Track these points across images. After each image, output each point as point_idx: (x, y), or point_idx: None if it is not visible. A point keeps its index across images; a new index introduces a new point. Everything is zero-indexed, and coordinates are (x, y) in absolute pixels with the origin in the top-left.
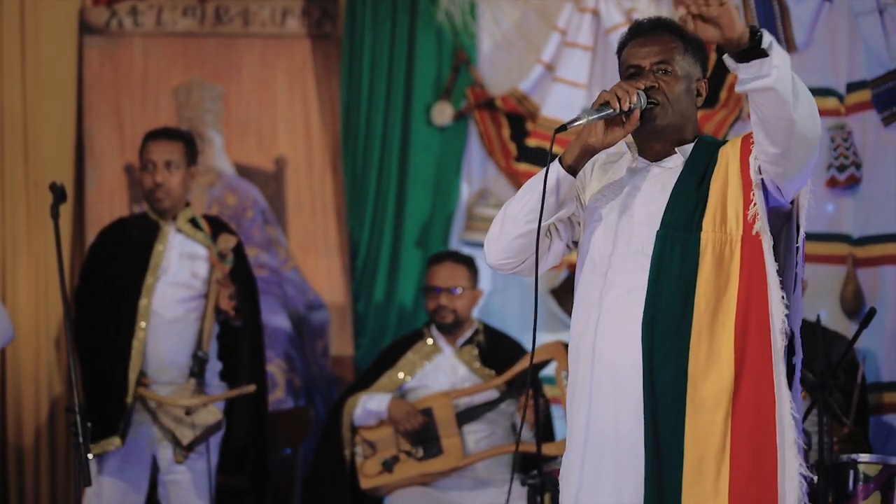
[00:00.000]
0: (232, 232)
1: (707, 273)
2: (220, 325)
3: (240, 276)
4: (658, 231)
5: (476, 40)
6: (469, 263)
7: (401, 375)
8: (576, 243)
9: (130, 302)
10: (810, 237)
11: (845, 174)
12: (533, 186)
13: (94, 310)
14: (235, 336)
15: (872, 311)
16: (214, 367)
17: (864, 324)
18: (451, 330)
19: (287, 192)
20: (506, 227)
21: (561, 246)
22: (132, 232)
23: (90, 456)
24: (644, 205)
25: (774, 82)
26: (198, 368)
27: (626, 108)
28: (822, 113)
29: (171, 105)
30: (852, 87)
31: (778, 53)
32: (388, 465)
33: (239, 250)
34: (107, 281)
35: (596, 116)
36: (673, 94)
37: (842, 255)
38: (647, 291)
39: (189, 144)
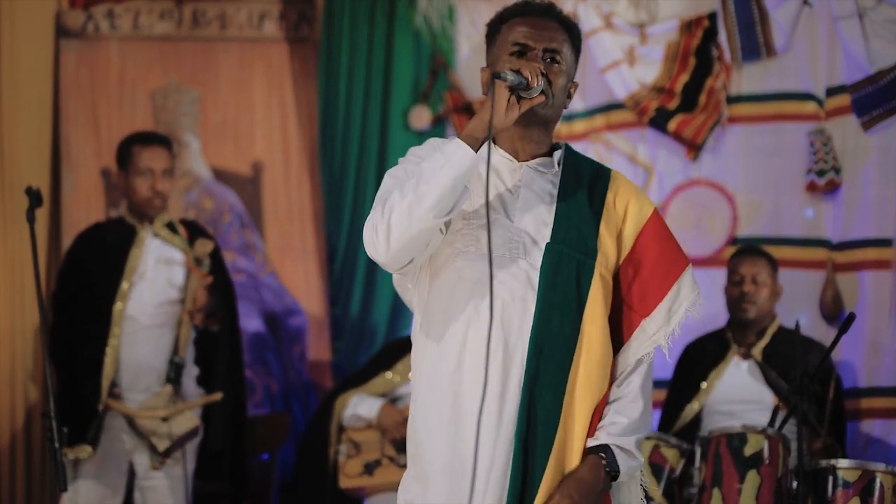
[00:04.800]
0: (209, 236)
1: (597, 302)
2: (196, 330)
3: (217, 281)
4: (550, 245)
5: (454, 44)
6: None
7: (395, 379)
8: None
9: (106, 307)
10: (790, 242)
11: (825, 179)
12: (437, 175)
13: (70, 314)
14: (213, 341)
15: (851, 317)
16: (191, 372)
17: (842, 329)
18: None
19: (264, 197)
20: (414, 220)
21: (440, 239)
22: (108, 237)
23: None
24: (522, 209)
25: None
26: (174, 374)
27: (534, 84)
28: (802, 117)
29: (148, 109)
30: (832, 91)
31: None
32: (369, 468)
33: (216, 255)
34: (83, 286)
35: (517, 80)
36: (557, 87)
37: (821, 260)
38: (536, 310)
39: (171, 149)
